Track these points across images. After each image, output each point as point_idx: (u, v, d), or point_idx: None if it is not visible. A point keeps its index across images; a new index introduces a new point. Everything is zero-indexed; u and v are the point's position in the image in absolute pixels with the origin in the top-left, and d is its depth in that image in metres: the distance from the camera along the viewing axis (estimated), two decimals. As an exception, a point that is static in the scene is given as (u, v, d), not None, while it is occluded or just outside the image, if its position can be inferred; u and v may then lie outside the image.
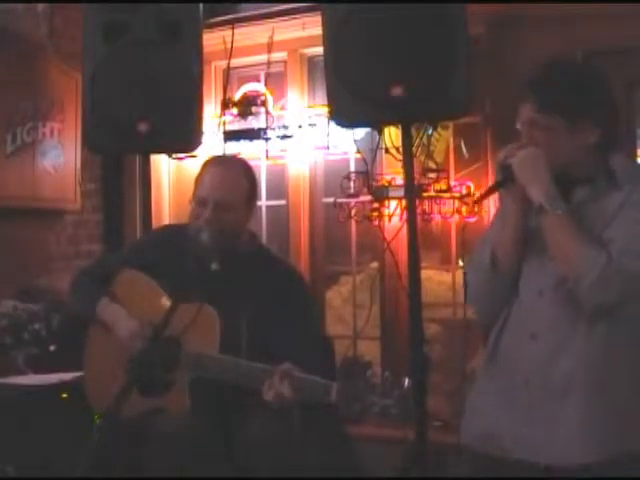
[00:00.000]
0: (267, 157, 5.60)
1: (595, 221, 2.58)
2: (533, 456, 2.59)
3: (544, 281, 2.63)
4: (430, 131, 4.60)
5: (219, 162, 3.59)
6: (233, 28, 5.44)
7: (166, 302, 3.19)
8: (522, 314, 2.68)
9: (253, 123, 5.61)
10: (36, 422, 4.11)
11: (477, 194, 4.85)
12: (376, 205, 5.10)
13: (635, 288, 2.51)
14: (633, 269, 2.48)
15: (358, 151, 5.03)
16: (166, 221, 5.71)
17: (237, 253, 3.34)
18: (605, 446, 2.53)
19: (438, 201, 4.97)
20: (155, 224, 4.87)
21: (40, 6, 5.35)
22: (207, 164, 3.52)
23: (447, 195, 4.96)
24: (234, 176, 3.45)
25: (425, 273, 4.09)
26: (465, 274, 2.88)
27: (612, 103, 2.69)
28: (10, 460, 3.98)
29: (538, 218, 2.59)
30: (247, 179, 3.48)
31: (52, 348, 4.12)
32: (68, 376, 4.09)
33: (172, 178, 5.88)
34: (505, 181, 2.66)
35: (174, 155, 4.71)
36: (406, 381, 2.95)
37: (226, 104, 5.58)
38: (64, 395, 4.19)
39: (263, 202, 5.83)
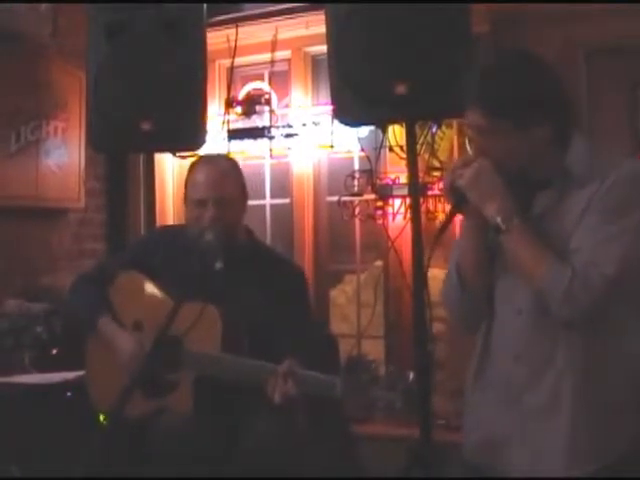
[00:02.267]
0: (271, 156, 5.60)
1: (560, 228, 2.49)
2: (522, 468, 2.56)
3: (521, 299, 2.56)
4: (434, 129, 4.59)
5: (208, 161, 3.59)
6: (237, 27, 5.44)
7: (167, 303, 3.18)
8: (503, 334, 2.62)
9: (257, 122, 5.61)
10: (40, 421, 4.11)
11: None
12: (380, 203, 5.10)
13: (603, 299, 2.42)
14: (598, 282, 2.40)
15: (362, 149, 5.02)
16: (170, 219, 5.71)
17: (236, 250, 3.34)
18: (590, 460, 2.49)
19: (442, 199, 4.95)
20: (159, 223, 4.88)
21: (43, 6, 5.35)
22: (195, 165, 3.53)
23: (451, 193, 4.95)
24: (227, 173, 3.48)
25: (429, 272, 4.07)
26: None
27: (560, 95, 2.57)
28: (14, 459, 3.97)
29: (497, 235, 2.51)
30: (238, 174, 3.52)
31: (54, 351, 4.12)
32: (72, 375, 4.09)
33: (176, 177, 5.88)
34: (459, 205, 2.59)
35: (178, 154, 4.70)
36: (411, 375, 2.95)
37: (230, 103, 5.58)
38: (68, 394, 4.19)
39: (267, 201, 5.83)
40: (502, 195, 2.50)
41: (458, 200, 2.58)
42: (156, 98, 4.27)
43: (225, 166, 3.53)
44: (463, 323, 2.79)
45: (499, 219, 2.48)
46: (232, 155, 5.41)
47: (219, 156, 3.93)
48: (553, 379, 2.52)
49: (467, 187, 2.53)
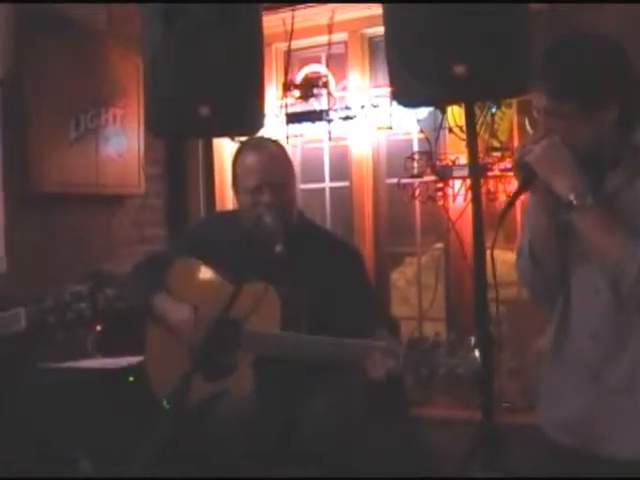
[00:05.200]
0: (330, 139, 5.58)
1: (632, 207, 2.44)
2: (599, 447, 2.54)
3: (598, 278, 2.51)
4: (494, 109, 4.55)
5: (255, 147, 3.58)
6: (293, 10, 5.43)
7: (224, 288, 3.18)
8: (580, 312, 2.59)
9: (315, 105, 5.59)
10: (104, 405, 4.15)
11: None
12: (440, 185, 5.06)
13: None
14: None
15: (421, 131, 5.01)
16: (229, 204, 5.71)
17: (292, 232, 3.34)
18: None
19: (503, 180, 4.90)
20: (219, 207, 4.90)
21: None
22: (242, 151, 3.53)
23: (512, 174, 4.89)
24: (277, 156, 3.49)
25: (489, 253, 4.05)
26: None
27: (628, 77, 2.51)
28: (79, 444, 4.02)
29: (569, 214, 2.46)
30: (286, 155, 3.53)
31: (98, 328, 4.15)
32: (135, 360, 4.12)
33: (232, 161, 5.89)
34: (528, 181, 2.54)
35: (237, 138, 4.71)
36: (472, 340, 2.93)
37: (287, 86, 5.57)
38: (131, 378, 4.22)
39: (326, 184, 5.82)
40: (573, 172, 2.46)
41: (527, 177, 2.54)
42: (214, 83, 4.28)
43: (274, 149, 3.54)
44: (537, 299, 2.77)
45: (572, 196, 2.44)
46: (290, 139, 5.42)
47: (264, 139, 3.92)
48: (630, 359, 2.48)
49: (537, 163, 2.49)
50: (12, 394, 3.21)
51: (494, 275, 2.68)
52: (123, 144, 5.54)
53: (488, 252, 2.82)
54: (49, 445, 3.85)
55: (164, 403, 3.38)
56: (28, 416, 3.72)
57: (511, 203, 2.66)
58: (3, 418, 3.15)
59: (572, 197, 2.44)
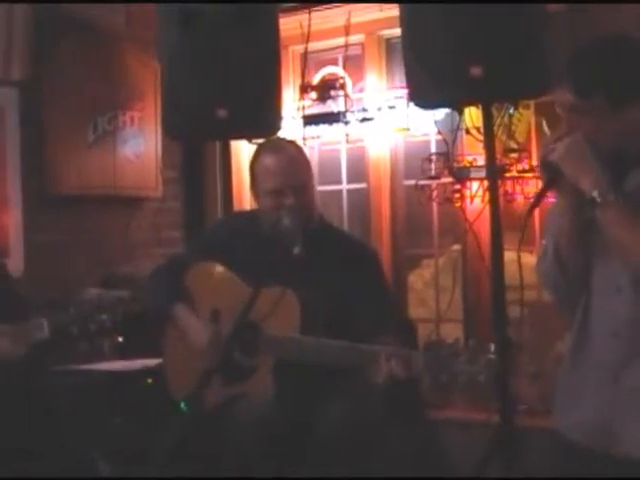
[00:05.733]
0: (347, 141, 5.57)
1: None
2: (614, 447, 2.52)
3: (621, 277, 2.49)
4: (511, 110, 4.53)
5: (276, 148, 3.57)
6: (310, 12, 5.43)
7: (243, 290, 3.18)
8: (602, 311, 2.57)
9: (332, 107, 5.59)
10: (122, 407, 4.16)
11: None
12: (458, 187, 5.04)
13: None
14: None
15: (438, 132, 4.99)
16: (247, 206, 5.72)
17: (311, 234, 3.33)
18: None
19: (520, 181, 4.89)
20: (236, 210, 4.89)
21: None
22: (261, 153, 3.52)
23: (530, 175, 4.88)
24: (297, 158, 3.48)
25: (508, 255, 4.03)
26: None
27: None
28: (97, 445, 4.03)
29: (593, 211, 2.44)
30: (305, 157, 3.53)
31: (120, 339, 4.17)
32: (152, 362, 4.13)
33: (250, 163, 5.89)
34: (552, 180, 2.53)
35: (254, 140, 4.71)
36: (492, 346, 2.91)
37: (304, 88, 5.57)
38: (149, 380, 4.23)
39: (344, 186, 5.81)
40: (597, 169, 2.45)
41: (551, 175, 2.53)
42: (231, 85, 4.29)
43: (293, 151, 3.54)
44: (560, 301, 2.75)
45: (595, 192, 2.42)
46: (307, 141, 5.42)
47: (283, 141, 3.90)
48: None
49: (561, 161, 2.48)
50: (31, 396, 3.22)
51: (520, 277, 2.68)
52: (140, 146, 5.56)
53: (510, 254, 2.81)
54: (67, 446, 3.86)
55: (182, 405, 3.38)
56: (47, 418, 3.72)
57: (536, 203, 2.65)
58: (22, 420, 3.17)
59: (595, 194, 2.43)
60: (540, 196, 2.63)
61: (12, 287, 3.30)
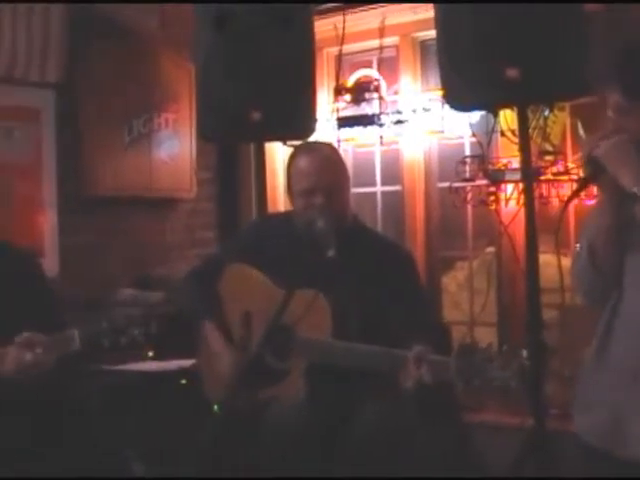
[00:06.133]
0: (381, 143, 5.57)
1: None
2: (623, 449, 2.51)
3: None
4: (546, 113, 4.51)
5: (309, 150, 3.58)
6: (344, 14, 5.43)
7: (275, 292, 3.18)
8: (632, 311, 2.55)
9: (366, 109, 5.58)
10: (156, 408, 4.18)
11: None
12: (492, 189, 5.03)
13: None
14: None
15: (473, 135, 4.98)
16: (281, 208, 5.72)
17: (345, 235, 3.32)
18: None
19: (555, 184, 4.87)
20: (270, 211, 4.90)
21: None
22: (297, 154, 3.52)
23: (565, 178, 4.86)
24: (331, 160, 3.47)
25: (542, 257, 4.02)
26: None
27: None
28: (132, 445, 4.04)
29: (633, 207, 2.46)
30: (340, 159, 3.52)
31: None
32: (187, 363, 4.14)
33: (286, 166, 5.89)
34: (594, 174, 2.53)
35: (288, 142, 4.72)
36: (524, 352, 2.90)
37: (339, 90, 5.57)
38: (183, 381, 4.25)
39: (378, 188, 5.81)
40: (639, 167, 2.45)
41: (594, 171, 2.54)
42: (265, 87, 4.29)
43: (328, 153, 3.53)
44: (593, 302, 2.74)
45: (636, 188, 2.42)
46: (342, 143, 5.42)
47: (319, 143, 3.93)
48: None
49: (605, 156, 2.49)
50: (65, 396, 3.24)
51: (561, 279, 2.67)
52: (175, 148, 5.59)
53: (545, 256, 2.80)
54: (101, 447, 3.88)
55: (215, 408, 3.39)
56: (81, 418, 3.74)
57: (575, 194, 2.68)
58: (57, 420, 3.19)
59: (636, 189, 2.43)
60: (580, 189, 2.67)
61: (48, 287, 3.32)
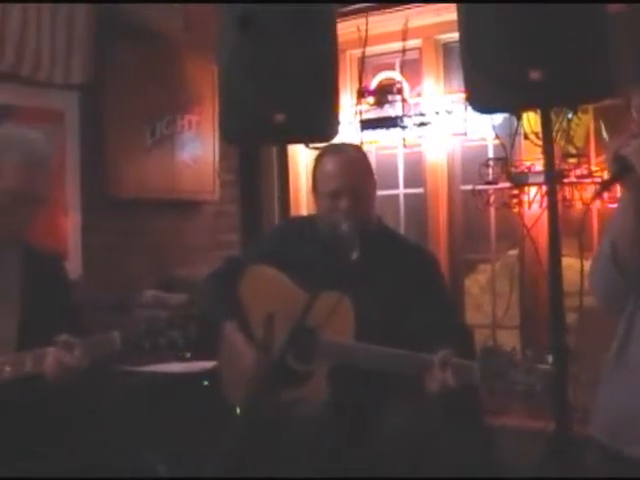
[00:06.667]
0: (404, 145, 5.57)
1: None
2: (631, 446, 2.50)
3: None
4: (570, 115, 4.49)
5: (336, 152, 3.56)
6: (367, 16, 5.44)
7: (298, 295, 3.18)
8: None
9: (389, 111, 5.59)
10: (179, 409, 4.18)
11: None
12: (515, 192, 5.02)
13: None
14: None
15: (496, 137, 4.97)
16: (303, 210, 5.73)
17: (369, 238, 3.31)
18: None
19: (579, 187, 4.85)
20: (293, 214, 4.90)
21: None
22: (323, 156, 3.51)
23: (588, 181, 4.84)
24: (357, 162, 3.46)
25: (565, 261, 4.00)
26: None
27: None
28: (154, 446, 4.05)
29: None
30: (367, 162, 3.50)
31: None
32: (209, 364, 4.15)
33: (309, 168, 5.89)
34: (621, 172, 2.52)
35: (311, 145, 4.72)
36: (549, 357, 2.89)
37: (362, 93, 5.58)
38: (205, 383, 4.25)
39: (401, 190, 5.81)
40: None
41: (620, 169, 2.53)
42: (288, 90, 4.29)
43: (354, 155, 3.52)
44: (612, 304, 2.72)
45: None
46: (365, 145, 5.42)
47: (346, 145, 3.91)
48: None
49: (632, 154, 2.48)
50: (92, 397, 3.25)
51: (581, 282, 2.66)
52: (198, 150, 5.60)
53: (567, 260, 2.79)
54: (124, 448, 3.89)
55: (237, 410, 3.39)
56: (105, 419, 3.76)
57: (600, 192, 2.66)
58: (82, 421, 3.20)
59: None
60: (605, 186, 2.68)
61: (70, 289, 3.33)
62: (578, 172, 4.86)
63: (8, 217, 2.99)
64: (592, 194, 2.59)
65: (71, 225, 4.99)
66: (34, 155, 3.01)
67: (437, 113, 5.40)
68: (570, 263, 4.06)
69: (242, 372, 3.33)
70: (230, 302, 3.49)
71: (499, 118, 4.90)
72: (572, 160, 4.88)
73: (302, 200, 5.86)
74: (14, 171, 2.95)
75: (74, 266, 4.81)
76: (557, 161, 4.50)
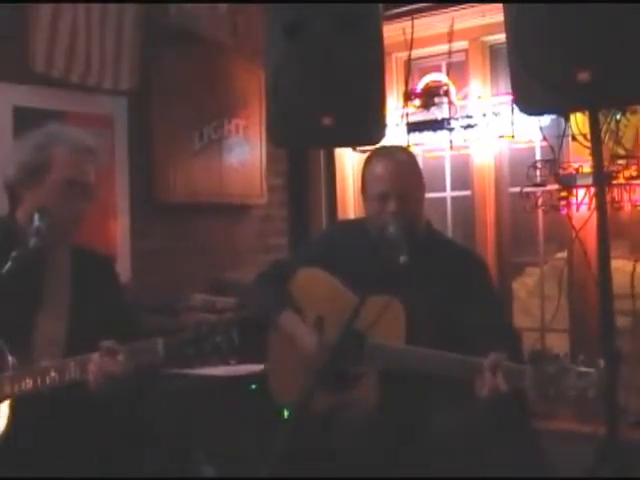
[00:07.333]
0: (451, 147, 5.55)
1: None
2: None
3: None
4: (618, 116, 4.46)
5: (386, 154, 3.56)
6: (413, 19, 5.43)
7: (348, 298, 3.18)
8: None
9: (436, 114, 5.58)
10: (226, 412, 4.20)
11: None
12: (564, 194, 4.98)
13: None
14: None
15: (544, 139, 4.95)
16: (351, 214, 5.74)
17: (418, 242, 3.31)
18: None
19: (628, 188, 4.81)
20: (340, 217, 4.91)
21: (223, 6, 5.47)
22: (373, 158, 3.51)
23: (637, 182, 4.80)
24: (406, 165, 3.46)
25: (615, 263, 3.97)
26: None
27: None
28: (202, 448, 4.07)
29: None
30: (416, 165, 3.50)
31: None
32: (257, 368, 4.16)
33: (356, 171, 5.90)
34: None
35: (358, 148, 4.72)
36: (601, 363, 2.87)
37: (408, 95, 5.57)
38: (253, 386, 4.26)
39: (448, 193, 5.80)
40: None
41: None
42: (335, 93, 4.30)
43: (404, 158, 3.52)
44: None
45: None
46: (412, 148, 5.41)
47: (396, 148, 3.90)
48: None
49: None
50: (138, 399, 3.27)
51: (632, 285, 2.64)
52: (246, 154, 5.63)
53: (616, 262, 2.77)
54: (172, 449, 3.91)
55: (286, 413, 3.40)
56: (152, 421, 3.78)
57: None
58: (129, 423, 3.22)
59: None
60: None
61: (122, 290, 3.36)
62: (627, 173, 4.81)
63: (60, 211, 3.03)
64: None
65: (120, 229, 5.03)
66: (81, 146, 3.13)
67: (484, 115, 5.38)
68: (619, 265, 4.03)
69: (299, 361, 3.33)
70: (282, 296, 3.50)
71: (547, 120, 4.88)
72: (621, 161, 4.84)
73: (349, 203, 5.87)
74: (64, 160, 3.06)
75: (123, 270, 4.82)
76: (605, 162, 4.46)
